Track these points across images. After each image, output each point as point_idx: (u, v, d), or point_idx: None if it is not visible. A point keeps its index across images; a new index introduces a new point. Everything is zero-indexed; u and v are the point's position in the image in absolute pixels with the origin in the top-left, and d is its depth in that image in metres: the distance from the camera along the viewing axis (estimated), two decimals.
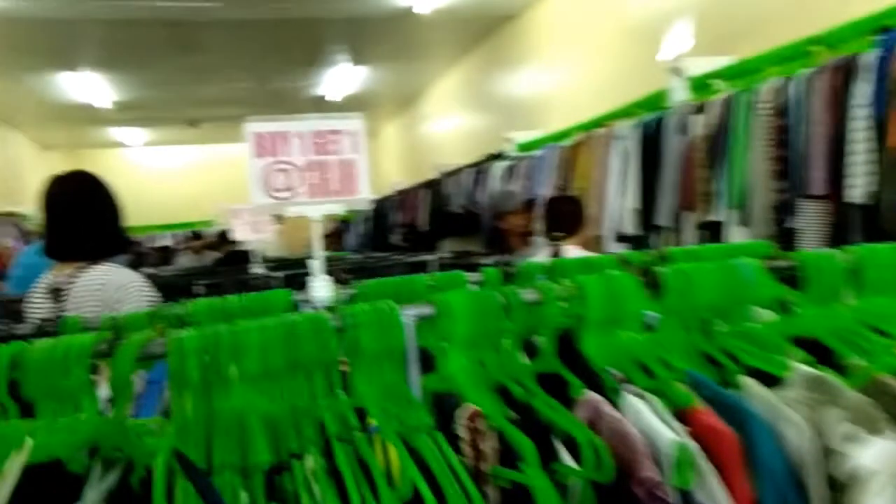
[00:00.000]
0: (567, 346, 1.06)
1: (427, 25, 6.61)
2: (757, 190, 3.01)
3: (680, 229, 3.61)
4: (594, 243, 4.32)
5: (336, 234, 11.87)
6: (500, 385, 0.98)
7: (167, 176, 13.41)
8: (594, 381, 0.96)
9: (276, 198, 1.45)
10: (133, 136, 12.06)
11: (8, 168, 9.78)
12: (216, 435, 0.83)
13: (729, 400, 0.90)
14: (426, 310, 0.99)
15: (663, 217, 3.67)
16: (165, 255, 11.72)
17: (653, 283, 1.08)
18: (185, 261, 7.67)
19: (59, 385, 0.83)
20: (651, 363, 1.00)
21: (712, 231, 3.33)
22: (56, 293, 2.09)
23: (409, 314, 0.98)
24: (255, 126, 1.45)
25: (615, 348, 1.04)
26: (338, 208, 1.48)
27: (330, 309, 1.43)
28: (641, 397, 0.91)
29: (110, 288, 2.01)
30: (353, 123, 1.49)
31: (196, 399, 0.86)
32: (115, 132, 11.60)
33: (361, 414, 0.89)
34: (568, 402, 0.91)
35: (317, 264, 1.48)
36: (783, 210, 2.89)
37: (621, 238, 4.10)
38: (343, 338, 0.93)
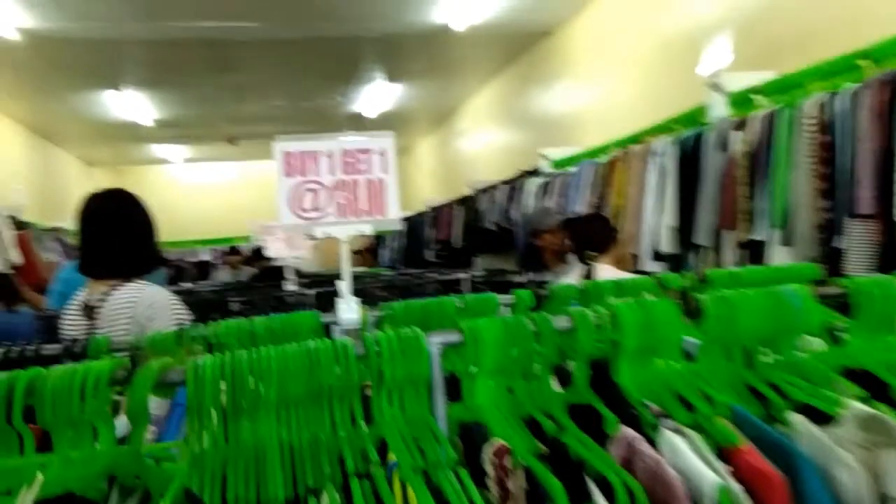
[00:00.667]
0: (601, 376, 1.01)
1: (462, 42, 6.61)
2: (800, 209, 2.91)
3: (719, 248, 3.50)
4: (630, 262, 4.23)
5: (371, 249, 11.94)
6: (529, 417, 0.94)
7: (207, 192, 13.66)
8: (629, 415, 0.91)
9: (304, 218, 1.43)
10: (174, 152, 12.31)
11: (54, 184, 10.05)
12: (232, 467, 0.80)
13: (776, 439, 0.84)
14: (453, 337, 0.96)
15: (702, 235, 3.58)
16: (204, 269, 11.91)
17: (693, 310, 1.03)
18: (222, 276, 7.76)
19: (75, 414, 0.81)
20: (691, 396, 0.94)
21: (753, 251, 3.22)
22: (89, 311, 2.10)
23: (435, 342, 0.94)
24: (285, 145, 1.44)
25: (652, 379, 0.99)
26: (366, 229, 1.45)
27: (356, 333, 1.40)
28: (681, 434, 0.86)
29: (141, 306, 2.01)
30: (382, 142, 1.47)
31: (213, 428, 0.83)
32: (157, 149, 11.85)
33: (384, 446, 0.86)
34: (601, 437, 0.86)
35: (345, 285, 1.46)
36: (828, 230, 2.78)
37: (658, 256, 4.00)
38: (366, 365, 0.90)
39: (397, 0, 5.50)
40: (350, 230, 1.44)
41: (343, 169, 1.45)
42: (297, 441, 0.84)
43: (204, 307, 3.17)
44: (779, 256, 3.01)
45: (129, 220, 2.24)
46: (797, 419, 0.89)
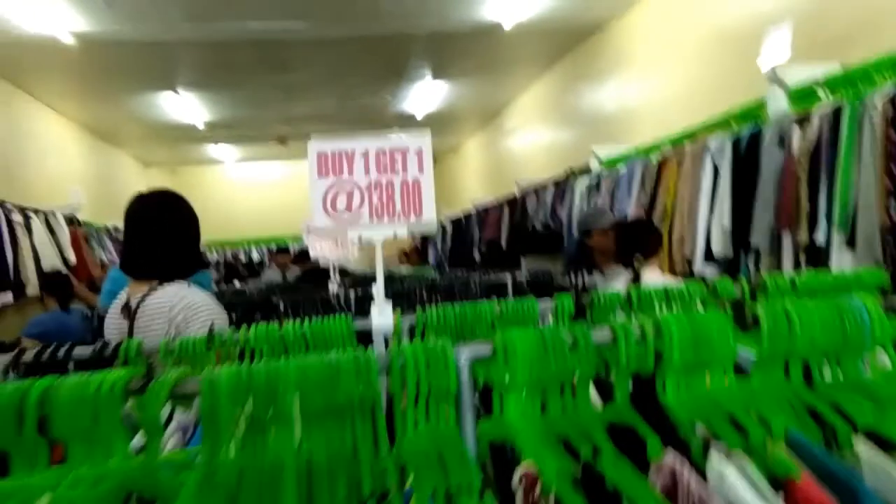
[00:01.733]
0: (645, 394, 0.93)
1: (511, 40, 6.53)
2: (866, 210, 2.75)
3: (777, 251, 3.35)
4: (682, 264, 4.09)
5: (418, 249, 11.95)
6: (564, 437, 0.87)
7: (258, 191, 13.89)
8: (675, 438, 0.83)
9: (337, 219, 1.39)
10: (226, 153, 12.55)
11: (110, 184, 10.35)
12: (245, 487, 0.76)
13: (838, 470, 0.76)
14: (484, 349, 0.90)
15: (758, 237, 3.42)
16: (256, 268, 12.10)
17: (746, 323, 0.95)
18: (270, 275, 7.82)
19: (88, 426, 0.78)
20: (743, 418, 0.86)
21: (814, 254, 3.06)
22: (128, 311, 2.11)
23: (465, 355, 0.88)
24: (318, 144, 1.40)
25: (701, 398, 0.91)
26: (401, 231, 1.40)
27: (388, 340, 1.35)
28: (731, 461, 0.78)
29: (177, 308, 2.00)
30: (418, 141, 1.42)
31: (227, 443, 0.79)
32: (210, 149, 12.10)
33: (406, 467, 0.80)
34: (643, 463, 0.79)
35: (379, 290, 1.41)
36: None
37: (711, 259, 3.86)
38: (391, 379, 0.85)
39: None
40: (385, 232, 1.39)
41: (378, 169, 1.40)
42: (315, 459, 0.79)
43: (247, 308, 3.19)
44: (842, 261, 2.85)
45: (171, 222, 2.23)
46: (862, 447, 0.80)
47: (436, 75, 7.96)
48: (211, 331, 1.36)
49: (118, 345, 1.32)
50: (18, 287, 5.26)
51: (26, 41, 5.36)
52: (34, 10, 4.79)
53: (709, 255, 3.88)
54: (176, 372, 0.82)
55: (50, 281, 5.40)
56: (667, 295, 1.54)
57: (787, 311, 0.93)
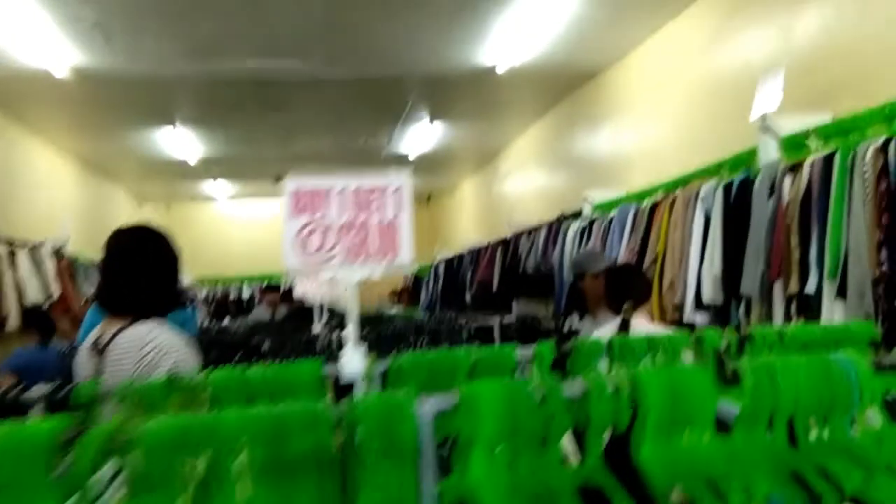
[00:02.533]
0: (619, 453, 0.88)
1: (506, 83, 6.58)
2: (856, 261, 2.71)
3: (768, 300, 3.30)
4: (672, 311, 4.04)
5: (408, 289, 11.87)
6: (532, 498, 0.81)
7: (252, 228, 13.84)
8: (649, 502, 0.78)
9: (310, 260, 1.35)
10: (221, 189, 12.55)
11: (104, 218, 10.30)
12: None
13: None
14: (448, 401, 0.84)
15: (749, 286, 3.38)
16: (245, 306, 12.00)
17: (729, 378, 0.90)
18: (258, 313, 7.75)
19: (11, 482, 0.72)
20: (724, 482, 0.81)
21: (804, 304, 3.02)
22: (98, 349, 2.04)
23: (427, 408, 0.82)
24: (294, 183, 1.36)
25: (679, 459, 0.85)
26: (376, 273, 1.36)
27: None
28: None
29: (148, 349, 1.93)
30: (398, 180, 1.38)
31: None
32: (205, 185, 12.10)
33: None
34: None
35: (351, 333, 1.36)
36: (888, 285, 2.58)
37: (702, 306, 3.80)
38: (345, 434, 0.79)
39: (441, 41, 5.50)
40: (358, 274, 1.34)
41: (354, 208, 1.36)
42: None
43: (226, 348, 3.12)
44: (833, 311, 2.81)
45: (148, 258, 2.16)
46: None
47: (432, 117, 8.01)
48: (172, 375, 1.30)
49: (71, 388, 1.26)
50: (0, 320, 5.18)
51: (22, 73, 5.38)
52: (31, 42, 4.81)
53: (699, 302, 3.83)
54: (109, 424, 0.76)
55: (31, 315, 5.32)
56: (651, 344, 1.48)
57: (772, 366, 0.88)
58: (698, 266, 3.86)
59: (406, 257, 1.35)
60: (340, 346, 3.48)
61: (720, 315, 3.71)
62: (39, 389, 1.25)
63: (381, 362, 1.37)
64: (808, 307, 2.99)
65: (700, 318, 3.83)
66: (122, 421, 0.76)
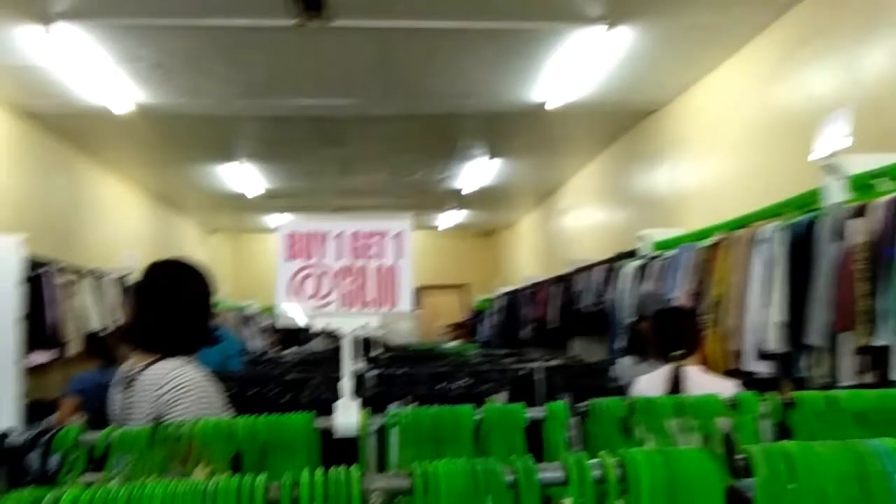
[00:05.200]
0: None
1: (559, 121, 6.50)
2: None
3: (835, 350, 3.05)
4: (732, 359, 3.80)
5: (465, 324, 11.75)
6: None
7: None
8: None
9: (304, 306, 1.27)
10: (284, 221, 12.81)
11: (173, 249, 10.64)
12: None
13: None
14: (400, 483, 0.74)
15: (814, 335, 3.13)
16: (304, 337, 12.09)
17: (737, 469, 0.76)
18: (314, 344, 7.77)
19: None
20: None
21: (875, 356, 2.76)
22: (126, 384, 2.03)
23: (375, 487, 0.73)
24: (290, 226, 1.30)
25: None
26: (373, 321, 1.27)
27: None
28: None
29: (168, 387, 1.88)
30: (398, 225, 1.30)
31: None
32: (267, 218, 12.38)
33: None
34: None
35: (346, 385, 1.27)
36: None
37: (764, 355, 3.55)
38: None
39: (493, 78, 5.47)
40: (354, 322, 1.26)
41: (351, 253, 1.28)
42: None
43: (253, 383, 3.08)
44: None
45: (176, 295, 2.12)
46: None
47: (488, 153, 7.98)
48: (157, 424, 1.24)
49: (55, 433, 1.21)
50: (61, 345, 5.34)
51: (88, 110, 5.62)
52: (94, 80, 5.02)
53: (761, 350, 3.59)
54: (26, 492, 0.69)
55: (92, 341, 5.48)
56: (678, 406, 1.34)
57: (790, 456, 0.74)
58: (760, 312, 3.62)
59: (405, 305, 1.26)
60: (380, 386, 3.39)
61: (783, 365, 3.45)
62: (23, 436, 1.21)
63: (377, 417, 1.28)
64: (881, 361, 2.74)
65: (761, 368, 3.58)
66: (35, 494, 0.69)
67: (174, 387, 1.88)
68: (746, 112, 5.04)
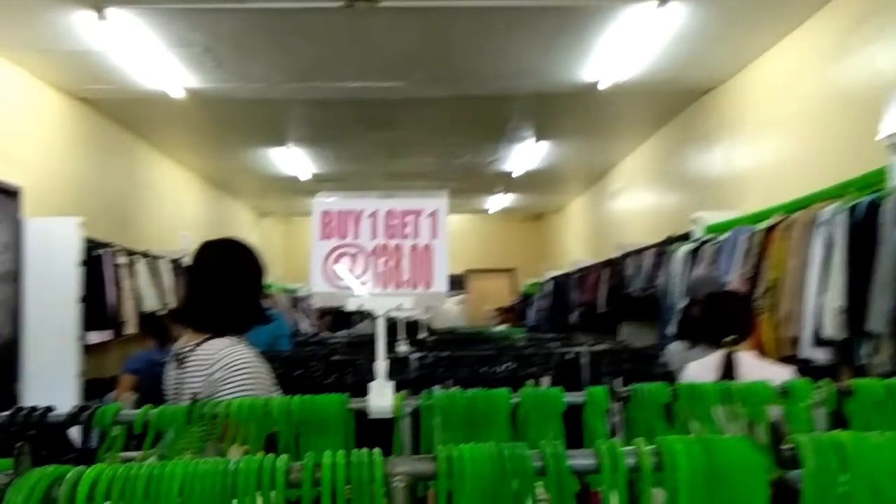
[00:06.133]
0: None
1: (611, 101, 6.34)
2: None
3: None
4: (788, 346, 3.66)
5: (513, 309, 11.69)
6: None
7: None
8: None
9: (337, 286, 1.26)
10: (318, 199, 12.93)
11: (227, 232, 10.79)
12: None
13: None
14: (424, 468, 0.71)
15: (876, 322, 2.99)
16: (354, 319, 12.19)
17: (783, 460, 0.71)
18: (364, 326, 7.85)
19: None
20: None
21: None
22: (178, 361, 2.06)
23: (398, 471, 0.70)
24: (324, 203, 1.28)
25: None
26: (407, 303, 1.25)
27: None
28: None
29: (217, 366, 1.90)
30: (434, 203, 1.27)
31: None
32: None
33: None
34: None
35: (380, 367, 1.26)
36: None
37: (822, 342, 3.42)
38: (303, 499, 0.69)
39: (545, 59, 5.37)
40: (388, 303, 1.24)
41: (386, 232, 1.26)
42: None
43: (299, 364, 3.11)
44: None
45: (227, 274, 2.13)
46: None
47: (537, 135, 7.87)
48: (194, 402, 1.24)
49: (94, 410, 1.23)
50: (118, 325, 5.51)
51: (143, 95, 5.74)
52: (148, 67, 5.13)
53: (819, 337, 3.45)
54: (45, 470, 0.69)
55: (147, 322, 5.65)
56: (726, 393, 1.28)
57: (841, 446, 0.69)
58: (818, 297, 3.48)
59: (441, 286, 1.24)
60: (424, 369, 3.37)
61: (842, 352, 3.31)
62: (62, 413, 1.23)
63: (412, 399, 1.26)
64: None
65: (819, 355, 3.45)
66: (53, 474, 0.69)
67: (224, 365, 1.90)
68: (807, 90, 4.82)
